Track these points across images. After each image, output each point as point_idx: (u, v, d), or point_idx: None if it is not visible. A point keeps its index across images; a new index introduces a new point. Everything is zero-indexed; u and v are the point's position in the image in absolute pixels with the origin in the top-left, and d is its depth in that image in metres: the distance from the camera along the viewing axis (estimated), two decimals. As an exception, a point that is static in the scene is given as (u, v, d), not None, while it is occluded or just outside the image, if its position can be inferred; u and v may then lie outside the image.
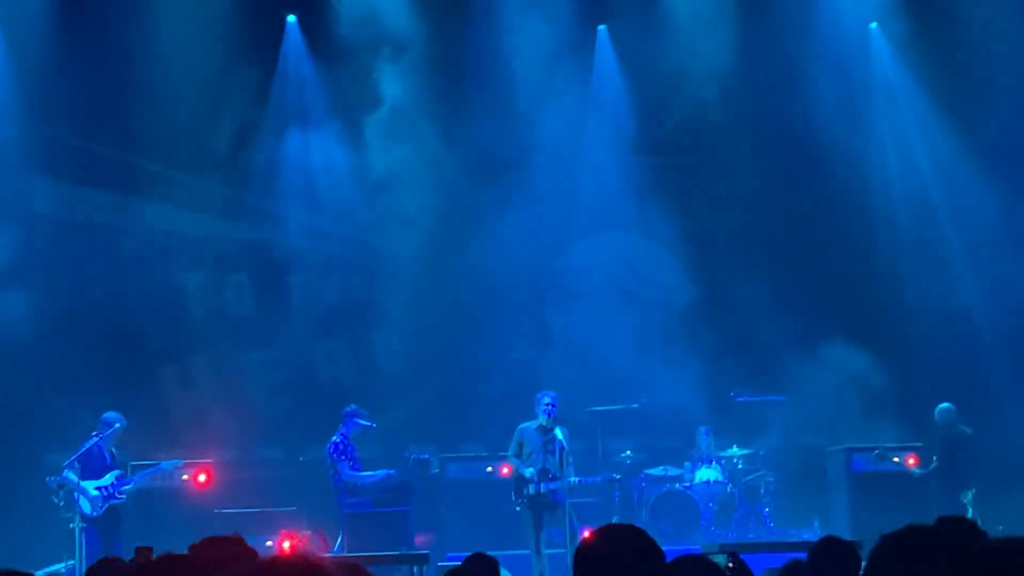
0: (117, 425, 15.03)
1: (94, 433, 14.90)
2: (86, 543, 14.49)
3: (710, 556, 6.00)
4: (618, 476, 15.70)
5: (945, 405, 16.45)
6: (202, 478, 16.58)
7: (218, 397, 18.64)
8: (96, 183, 18.49)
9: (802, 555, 7.54)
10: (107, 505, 14.74)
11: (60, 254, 18.18)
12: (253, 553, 5.13)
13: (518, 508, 14.61)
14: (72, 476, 14.71)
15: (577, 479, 14.68)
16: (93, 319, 18.07)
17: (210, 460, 16.87)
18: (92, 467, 14.81)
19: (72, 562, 14.88)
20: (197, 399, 18.65)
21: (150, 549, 7.66)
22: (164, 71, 18.05)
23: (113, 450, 15.07)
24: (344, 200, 18.79)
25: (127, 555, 6.96)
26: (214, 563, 4.36)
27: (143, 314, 18.47)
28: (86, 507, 14.67)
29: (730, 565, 4.30)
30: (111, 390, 17.29)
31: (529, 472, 14.61)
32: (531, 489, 14.52)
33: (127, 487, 14.98)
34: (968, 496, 15.69)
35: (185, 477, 16.56)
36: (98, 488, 14.74)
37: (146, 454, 16.65)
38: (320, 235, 18.86)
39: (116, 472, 14.92)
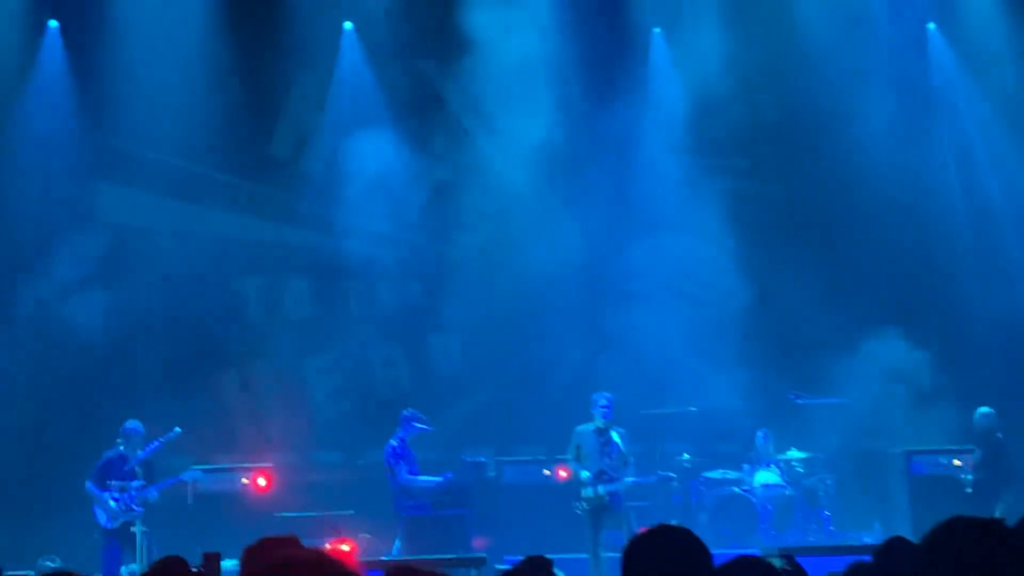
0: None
1: (178, 430, 14.98)
2: (104, 554, 14.57)
3: (769, 559, 5.99)
4: (673, 475, 15.60)
5: (987, 409, 16.22)
6: (262, 482, 16.72)
7: (277, 401, 18.79)
8: (158, 190, 18.67)
9: (863, 558, 7.51)
10: (124, 518, 14.76)
11: (122, 261, 18.39)
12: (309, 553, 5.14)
13: (578, 511, 14.56)
14: (92, 487, 14.80)
15: (632, 480, 14.66)
16: (154, 324, 18.29)
17: (269, 464, 17.01)
18: (114, 477, 14.86)
19: (134, 566, 15.01)
20: (256, 403, 18.80)
21: (218, 555, 7.76)
22: (223, 79, 18.25)
23: (140, 458, 15.02)
24: (401, 205, 18.86)
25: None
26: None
27: (203, 319, 18.63)
28: (101, 518, 14.75)
29: (787, 568, 4.29)
30: (171, 394, 17.49)
31: (585, 475, 14.60)
32: (589, 492, 14.49)
33: (148, 498, 14.84)
34: (1001, 507, 15.34)
35: (245, 481, 16.70)
36: (116, 499, 14.77)
37: (206, 458, 16.82)
38: (378, 240, 18.93)
39: (137, 483, 14.83)
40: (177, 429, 15.06)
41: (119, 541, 14.59)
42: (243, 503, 16.52)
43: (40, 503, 17.09)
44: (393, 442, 15.17)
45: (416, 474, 15.20)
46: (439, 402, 17.56)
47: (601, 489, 14.45)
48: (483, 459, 16.56)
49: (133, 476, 14.80)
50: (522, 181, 18.89)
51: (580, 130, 18.56)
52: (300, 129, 19.03)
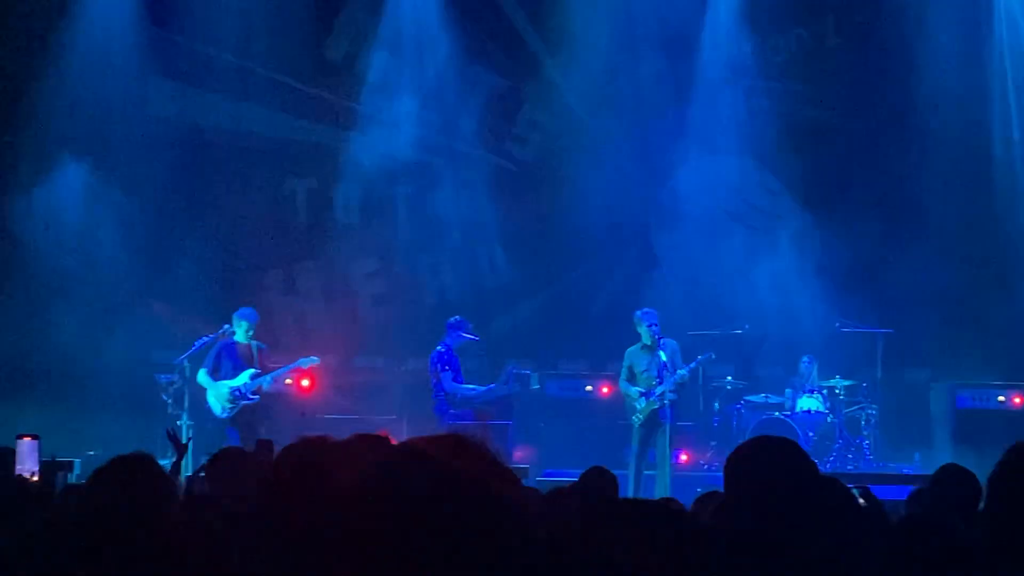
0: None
1: (228, 327, 15.00)
2: (225, 442, 14.63)
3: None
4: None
5: None
6: (305, 383, 16.80)
7: (322, 304, 18.89)
8: (210, 87, 18.64)
9: (903, 488, 7.52)
10: (239, 405, 14.82)
11: (171, 156, 18.37)
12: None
13: (634, 421, 14.44)
14: (202, 378, 14.84)
15: (685, 370, 14.40)
16: (201, 221, 18.34)
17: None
18: (227, 366, 14.91)
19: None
20: (301, 305, 18.89)
21: (270, 442, 7.84)
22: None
23: (255, 344, 14.99)
24: (455, 113, 18.77)
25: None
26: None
27: (251, 218, 18.67)
28: (215, 407, 14.79)
29: (861, 501, 4.31)
30: (218, 292, 17.58)
31: (635, 391, 14.47)
32: (642, 403, 14.36)
33: (260, 385, 14.82)
34: None
35: (288, 381, 16.76)
36: (230, 388, 14.81)
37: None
38: (430, 148, 18.86)
39: (250, 371, 14.83)
40: (226, 326, 15.15)
41: (237, 429, 14.52)
42: (285, 403, 16.60)
43: (80, 394, 17.18)
44: (440, 348, 15.18)
45: (461, 383, 15.24)
46: (484, 313, 17.55)
47: (652, 396, 14.27)
48: (527, 371, 16.56)
49: (245, 364, 14.81)
50: (578, 96, 18.79)
51: (639, 47, 18.40)
52: (357, 33, 18.90)
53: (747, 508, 3.59)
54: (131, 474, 4.92)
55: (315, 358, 15.42)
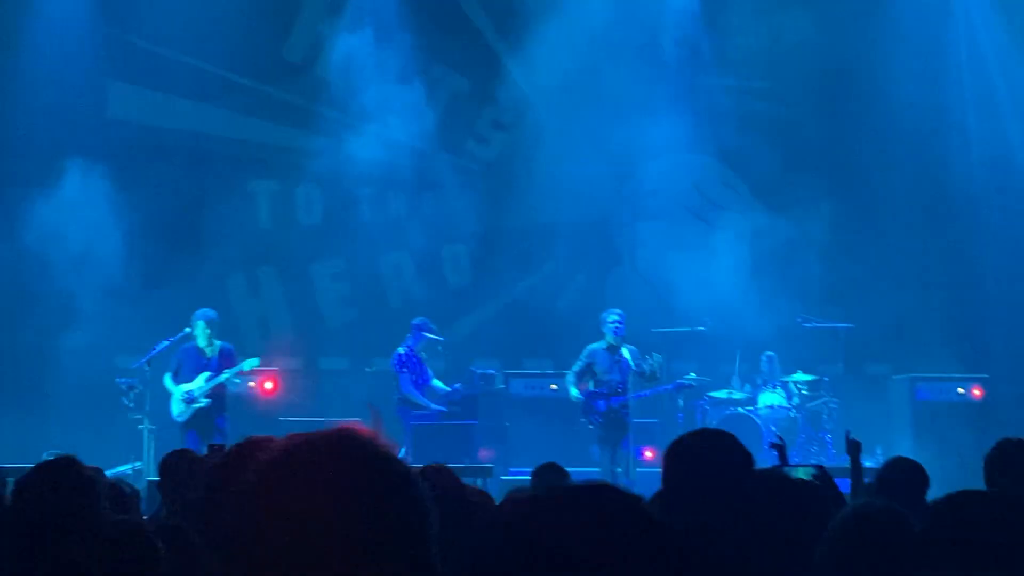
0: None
1: (188, 330, 14.94)
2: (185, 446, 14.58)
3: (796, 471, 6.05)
4: (692, 382, 15.41)
5: None
6: (268, 386, 16.75)
7: (285, 306, 18.83)
8: (169, 89, 18.54)
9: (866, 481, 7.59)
10: (192, 409, 14.76)
11: (131, 159, 18.25)
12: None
13: (591, 427, 14.57)
14: (166, 382, 14.80)
15: (649, 391, 14.58)
16: (162, 225, 18.21)
17: (276, 368, 17.03)
18: (187, 369, 14.86)
19: (139, 464, 15.11)
20: (264, 307, 18.82)
21: (222, 447, 7.85)
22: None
23: (216, 344, 14.89)
24: (416, 113, 18.72)
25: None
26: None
27: (212, 221, 18.56)
28: (172, 411, 14.76)
29: (815, 474, 4.35)
30: (179, 295, 17.48)
31: (574, 394, 14.65)
32: (602, 405, 14.47)
33: (210, 387, 14.74)
34: None
35: (252, 384, 16.69)
36: (184, 392, 14.73)
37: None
38: (391, 148, 18.79)
39: (206, 375, 14.77)
40: (187, 329, 15.10)
41: (197, 432, 14.43)
42: (248, 406, 16.53)
43: (41, 399, 17.07)
44: (400, 350, 15.19)
45: (424, 383, 15.22)
46: (449, 313, 17.58)
47: (615, 402, 14.44)
48: (492, 371, 16.57)
49: (203, 367, 14.74)
50: (540, 96, 18.81)
51: (600, 46, 18.40)
52: (316, 33, 18.86)
53: (681, 498, 3.61)
54: (56, 480, 4.88)
55: (255, 360, 15.27)
